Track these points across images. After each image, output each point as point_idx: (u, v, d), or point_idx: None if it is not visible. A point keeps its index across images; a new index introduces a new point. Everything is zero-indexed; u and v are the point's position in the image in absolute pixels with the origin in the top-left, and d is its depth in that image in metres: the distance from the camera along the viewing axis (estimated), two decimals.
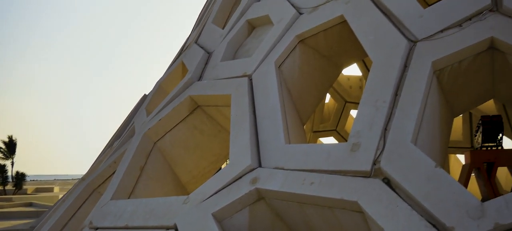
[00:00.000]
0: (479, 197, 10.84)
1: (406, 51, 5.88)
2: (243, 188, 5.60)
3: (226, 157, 9.31)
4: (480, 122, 11.00)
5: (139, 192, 8.03)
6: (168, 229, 5.83)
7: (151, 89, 11.14)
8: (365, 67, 18.04)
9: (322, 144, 6.27)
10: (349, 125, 20.41)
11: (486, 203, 4.06)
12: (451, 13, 5.97)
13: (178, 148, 8.69)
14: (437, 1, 14.04)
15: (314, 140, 20.34)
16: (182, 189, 8.91)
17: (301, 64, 7.81)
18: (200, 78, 8.64)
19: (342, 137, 20.32)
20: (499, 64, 5.92)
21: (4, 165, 41.23)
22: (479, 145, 11.18)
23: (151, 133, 8.50)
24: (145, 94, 12.68)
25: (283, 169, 5.59)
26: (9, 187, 40.50)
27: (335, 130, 20.55)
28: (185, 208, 5.86)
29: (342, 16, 7.14)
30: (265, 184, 5.49)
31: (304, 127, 11.94)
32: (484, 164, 10.76)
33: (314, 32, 7.59)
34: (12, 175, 41.77)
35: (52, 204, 21.16)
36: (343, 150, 5.25)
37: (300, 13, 8.01)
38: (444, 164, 8.32)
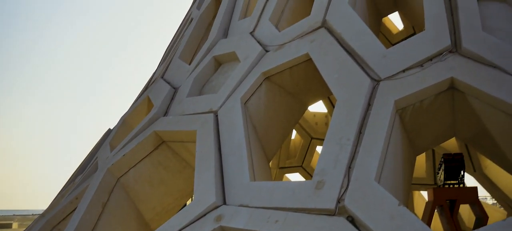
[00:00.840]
0: None
1: (369, 90, 5.98)
2: (207, 226, 5.53)
3: (190, 194, 9.21)
4: (442, 159, 11.21)
5: (101, 229, 7.84)
6: None
7: (116, 124, 10.99)
8: (331, 104, 18.26)
9: (287, 182, 6.26)
10: (315, 161, 20.51)
11: None
12: (413, 53, 6.12)
13: (142, 184, 8.55)
14: (400, 41, 14.45)
15: (280, 176, 20.34)
16: (146, 227, 8.74)
17: (267, 101, 7.84)
18: (165, 113, 8.58)
19: (308, 173, 20.38)
20: (459, 104, 6.07)
21: None
22: (442, 183, 11.37)
23: (115, 169, 8.36)
24: (109, 129, 12.50)
25: (248, 206, 5.55)
26: None
27: (301, 166, 20.61)
28: None
29: (307, 54, 7.24)
30: (229, 222, 5.43)
31: (270, 163, 11.95)
32: (447, 202, 10.92)
33: (280, 70, 7.66)
34: None
35: None
36: (308, 187, 5.25)
37: (266, 51, 8.08)
38: (408, 201, 8.40)
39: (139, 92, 12.86)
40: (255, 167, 6.69)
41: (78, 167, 12.67)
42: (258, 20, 8.89)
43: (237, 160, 6.43)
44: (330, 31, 7.29)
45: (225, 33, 9.68)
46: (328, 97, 17.82)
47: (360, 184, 4.94)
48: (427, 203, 11.52)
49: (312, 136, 20.36)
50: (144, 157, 8.40)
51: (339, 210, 4.86)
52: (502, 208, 18.05)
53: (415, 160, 7.67)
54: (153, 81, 10.82)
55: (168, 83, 9.53)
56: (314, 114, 20.64)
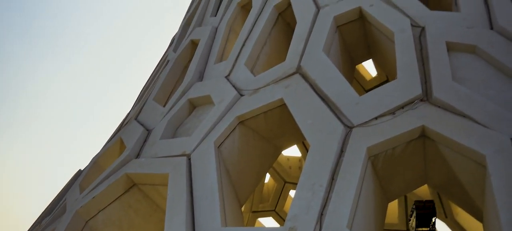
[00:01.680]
0: None
1: (342, 136, 6.03)
2: None
3: None
4: (414, 206, 11.27)
5: None
6: None
7: (87, 164, 10.81)
8: (305, 148, 18.29)
9: (258, 227, 6.22)
10: (288, 206, 20.35)
11: None
12: (385, 101, 6.23)
13: (111, 227, 8.35)
14: (373, 88, 14.64)
15: (253, 220, 20.13)
16: None
17: (240, 145, 7.83)
18: (138, 155, 8.47)
19: (281, 217, 20.20)
20: (430, 152, 6.15)
21: None
22: (414, 229, 11.41)
23: (83, 211, 8.16)
24: (80, 170, 12.27)
25: None
26: None
27: (274, 210, 20.43)
28: None
29: (281, 100, 7.29)
30: None
31: (243, 207, 11.84)
32: None
33: (254, 114, 7.68)
34: None
35: None
36: None
37: (241, 95, 8.11)
38: None
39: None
40: (227, 212, 6.62)
41: (45, 209, 12.36)
42: (234, 65, 8.95)
43: (209, 204, 6.36)
44: (305, 77, 7.38)
45: (200, 76, 9.70)
46: (303, 142, 17.88)
47: (332, 230, 4.92)
48: None
49: (286, 180, 20.28)
50: (114, 200, 8.23)
51: None
52: None
53: (387, 206, 7.68)
54: (127, 123, 10.73)
55: (142, 124, 9.45)
56: (288, 158, 20.63)
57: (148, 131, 9.09)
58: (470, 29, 7.10)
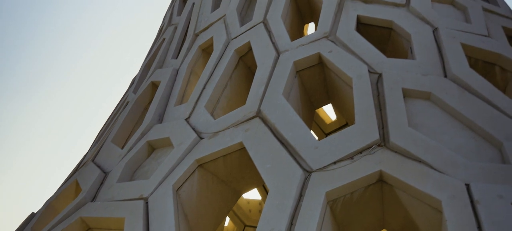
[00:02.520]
0: None
1: (301, 181, 6.04)
2: None
3: None
4: None
5: None
6: None
7: (40, 207, 10.45)
8: (265, 191, 18.24)
9: None
10: None
11: None
12: (344, 146, 6.29)
13: None
14: (333, 131, 14.83)
15: None
16: None
17: (199, 189, 7.74)
18: (94, 199, 8.25)
19: None
20: (388, 196, 6.21)
21: None
22: None
23: None
24: (33, 213, 11.86)
25: None
26: None
27: None
28: None
29: (241, 143, 7.28)
30: None
31: None
32: None
33: (213, 157, 7.63)
34: None
35: None
36: None
37: (201, 138, 8.06)
38: None
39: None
40: None
41: None
42: (194, 107, 8.92)
43: None
44: (264, 121, 7.41)
45: (160, 119, 9.62)
46: (263, 185, 17.83)
47: None
48: None
49: (246, 224, 20.10)
50: None
51: None
52: None
53: None
54: (83, 165, 10.48)
55: (99, 167, 9.25)
56: (248, 201, 20.50)
57: (105, 173, 8.91)
58: (425, 76, 7.32)
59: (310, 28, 14.84)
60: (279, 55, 8.68)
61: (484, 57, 8.06)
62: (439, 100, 6.87)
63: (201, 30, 11.17)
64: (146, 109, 10.80)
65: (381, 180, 6.00)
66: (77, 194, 9.25)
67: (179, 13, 13.30)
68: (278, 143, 6.82)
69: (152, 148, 9.06)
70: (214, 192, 8.15)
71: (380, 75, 7.43)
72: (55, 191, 11.01)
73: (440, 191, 5.48)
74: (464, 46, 7.87)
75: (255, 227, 19.67)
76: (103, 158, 9.69)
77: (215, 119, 8.33)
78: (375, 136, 6.28)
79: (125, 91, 13.75)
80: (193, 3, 12.52)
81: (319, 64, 8.50)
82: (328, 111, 17.39)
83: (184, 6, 13.58)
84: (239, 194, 9.09)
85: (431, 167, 5.76)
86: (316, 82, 8.89)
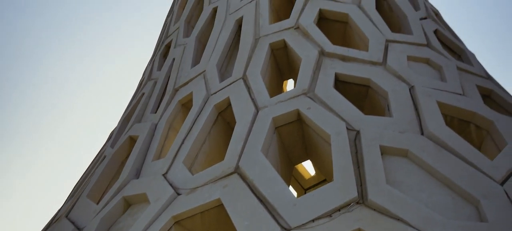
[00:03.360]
0: None
1: None
2: None
3: None
4: None
5: None
6: None
7: None
8: None
9: None
10: None
11: None
12: (322, 203, 6.27)
13: None
14: (312, 186, 14.72)
15: None
16: None
17: None
18: None
19: None
20: None
21: None
22: None
23: None
24: None
25: None
26: None
27: None
28: None
29: (219, 200, 7.20)
30: None
31: None
32: None
33: (191, 214, 7.51)
34: None
35: None
36: None
37: (178, 194, 7.95)
38: None
39: None
40: None
41: None
42: (172, 162, 8.84)
43: None
44: (243, 178, 7.36)
45: (137, 174, 9.49)
46: None
47: None
48: None
49: None
50: None
51: None
52: None
53: None
54: (56, 220, 10.22)
55: (73, 223, 9.02)
56: None
57: (79, 230, 8.69)
58: (402, 134, 7.39)
59: (289, 84, 15.02)
60: (258, 111, 8.72)
61: (459, 115, 8.20)
62: (416, 158, 6.93)
63: (181, 85, 11.20)
64: (123, 164, 10.65)
65: None
66: None
67: (159, 68, 13.36)
68: (256, 200, 6.77)
69: (128, 203, 8.89)
70: None
71: (358, 132, 7.49)
72: None
73: None
74: (440, 104, 8.01)
75: None
76: (78, 213, 9.46)
77: (193, 175, 8.25)
78: (354, 193, 6.27)
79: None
80: (173, 59, 12.60)
81: (298, 120, 8.55)
82: (307, 167, 17.37)
83: (164, 61, 13.65)
84: None
85: (409, 225, 5.75)
86: (295, 139, 8.92)
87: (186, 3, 15.12)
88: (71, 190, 13.52)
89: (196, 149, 9.06)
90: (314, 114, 8.16)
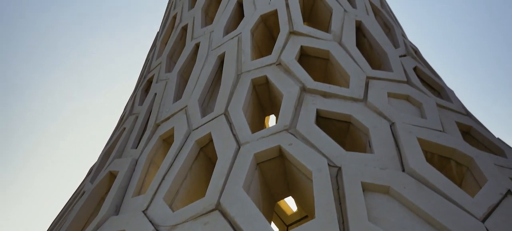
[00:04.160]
0: None
1: None
2: None
3: None
4: None
5: None
6: None
7: None
8: None
9: None
10: None
11: None
12: None
13: None
14: (294, 222, 14.62)
15: None
16: None
17: None
18: None
19: None
20: None
21: None
22: None
23: None
24: None
25: None
26: None
27: None
28: None
29: None
30: None
31: None
32: None
33: None
34: None
35: None
36: None
37: None
38: None
39: None
40: None
41: None
42: (152, 199, 8.71)
43: None
44: (224, 215, 7.27)
45: (117, 210, 9.32)
46: None
47: None
48: None
49: None
50: None
51: None
52: None
53: None
54: None
55: None
56: None
57: None
58: (383, 170, 7.41)
59: (271, 120, 15.04)
60: (239, 147, 8.68)
61: (440, 152, 8.27)
62: (398, 195, 6.94)
63: (162, 120, 11.14)
64: (102, 199, 10.48)
65: None
66: None
67: (141, 103, 13.31)
68: None
69: None
70: None
71: (339, 168, 7.49)
72: None
73: None
74: (421, 141, 8.08)
75: None
76: None
77: (173, 211, 8.12)
78: (336, 230, 6.21)
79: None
80: (155, 93, 12.57)
81: (280, 157, 8.53)
82: (289, 203, 17.30)
83: (146, 96, 13.61)
84: None
85: None
86: (276, 175, 8.88)
87: (168, 38, 15.19)
88: (49, 227, 13.23)
89: (177, 185, 8.95)
90: (295, 150, 8.15)
